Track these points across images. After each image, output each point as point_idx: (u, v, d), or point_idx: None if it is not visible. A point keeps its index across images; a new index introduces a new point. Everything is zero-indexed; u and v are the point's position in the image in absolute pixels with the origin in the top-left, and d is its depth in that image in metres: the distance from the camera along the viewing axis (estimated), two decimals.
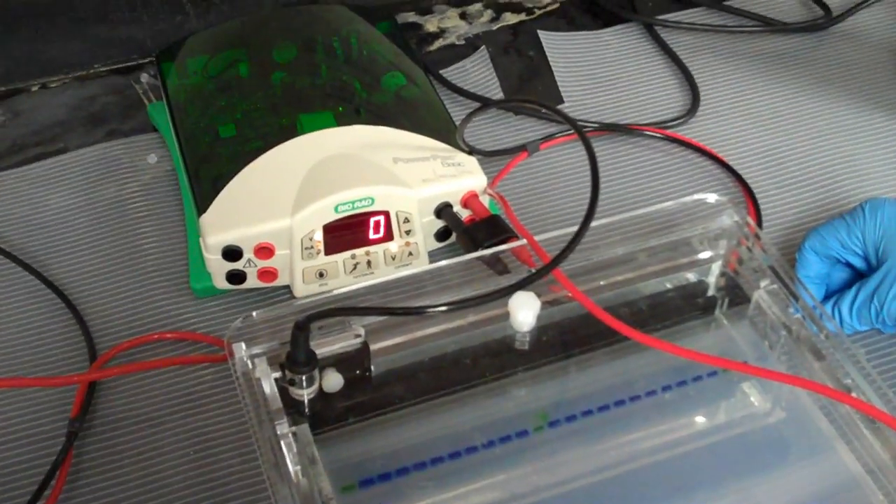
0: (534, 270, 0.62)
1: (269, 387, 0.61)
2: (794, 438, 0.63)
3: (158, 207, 0.81)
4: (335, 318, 0.63)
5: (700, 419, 0.65)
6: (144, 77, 0.92)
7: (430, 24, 0.99)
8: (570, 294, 0.61)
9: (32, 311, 0.74)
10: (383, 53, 0.84)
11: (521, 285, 0.61)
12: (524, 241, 0.67)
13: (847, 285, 0.71)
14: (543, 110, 0.87)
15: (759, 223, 0.79)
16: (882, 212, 0.69)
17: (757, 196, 0.81)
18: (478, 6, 1.01)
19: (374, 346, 0.64)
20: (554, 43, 0.96)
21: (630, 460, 0.62)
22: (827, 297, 0.71)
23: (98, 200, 0.82)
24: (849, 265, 0.72)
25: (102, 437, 0.67)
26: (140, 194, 0.82)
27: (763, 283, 0.67)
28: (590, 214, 0.62)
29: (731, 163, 0.84)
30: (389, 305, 0.63)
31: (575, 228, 0.62)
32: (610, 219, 0.68)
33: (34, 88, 0.92)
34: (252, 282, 0.72)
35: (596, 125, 0.86)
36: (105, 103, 0.90)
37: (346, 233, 0.71)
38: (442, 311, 0.59)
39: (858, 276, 0.71)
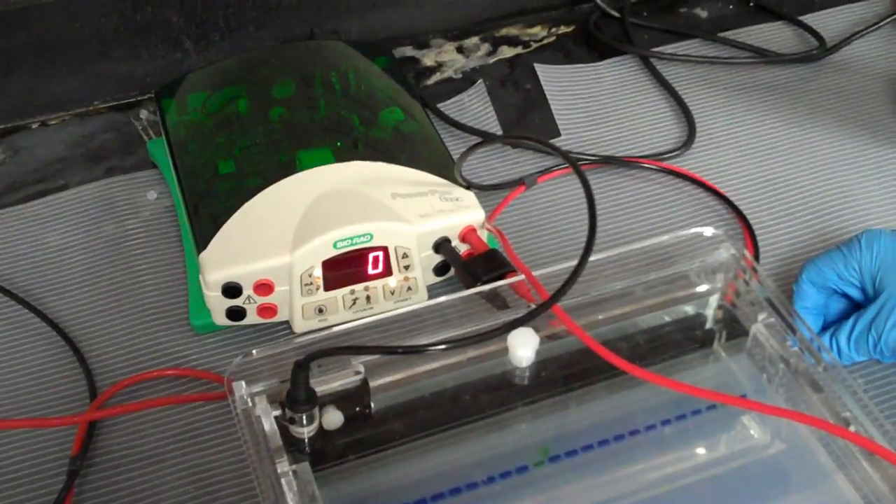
0: (533, 306, 0.62)
1: (269, 425, 0.61)
2: (794, 470, 0.63)
3: (158, 244, 0.81)
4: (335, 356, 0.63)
5: (700, 452, 0.65)
6: (144, 114, 0.92)
7: (428, 59, 0.99)
8: (568, 329, 0.61)
9: (32, 349, 0.74)
10: (381, 89, 0.84)
11: (520, 322, 0.61)
12: (523, 276, 0.67)
13: (844, 316, 0.71)
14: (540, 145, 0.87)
15: (756, 255, 0.79)
16: (878, 243, 0.70)
17: (753, 227, 0.81)
18: (475, 40, 1.01)
19: (373, 383, 0.64)
20: (550, 76, 0.96)
21: (631, 494, 0.62)
22: (824, 328, 0.71)
23: (98, 237, 0.82)
24: (846, 296, 0.72)
25: (103, 476, 0.67)
26: (140, 231, 0.82)
27: (760, 317, 0.67)
28: (587, 250, 0.63)
29: (727, 194, 0.84)
30: (389, 343, 0.64)
31: (573, 263, 0.62)
32: (607, 253, 0.68)
33: (34, 126, 0.92)
34: (252, 318, 0.72)
35: (592, 158, 0.87)
36: (105, 140, 0.91)
37: (346, 268, 0.71)
38: (441, 349, 0.59)
39: (855, 306, 0.71)
